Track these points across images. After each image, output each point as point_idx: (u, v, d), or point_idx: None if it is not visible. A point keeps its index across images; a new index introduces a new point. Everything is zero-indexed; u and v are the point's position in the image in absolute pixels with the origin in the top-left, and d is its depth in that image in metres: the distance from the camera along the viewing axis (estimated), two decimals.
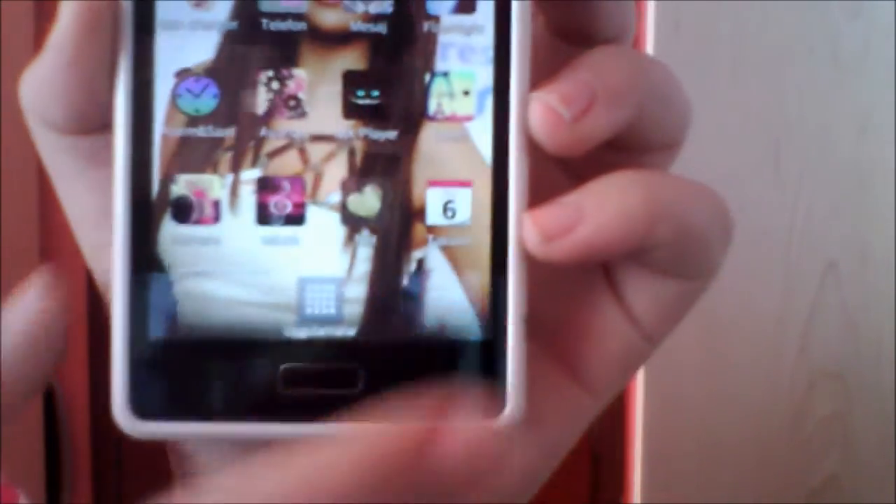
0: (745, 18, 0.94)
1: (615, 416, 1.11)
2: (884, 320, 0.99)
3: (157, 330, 0.21)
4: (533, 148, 0.22)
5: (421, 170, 0.22)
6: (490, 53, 0.22)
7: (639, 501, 1.06)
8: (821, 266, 0.98)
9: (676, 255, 0.22)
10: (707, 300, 0.23)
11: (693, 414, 1.02)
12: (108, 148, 0.21)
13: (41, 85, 0.21)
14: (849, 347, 0.99)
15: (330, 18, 0.21)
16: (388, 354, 0.21)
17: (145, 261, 0.21)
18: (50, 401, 1.12)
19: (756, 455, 1.00)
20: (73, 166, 0.22)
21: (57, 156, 0.22)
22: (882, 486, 0.99)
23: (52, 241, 1.08)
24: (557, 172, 0.23)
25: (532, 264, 0.22)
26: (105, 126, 0.21)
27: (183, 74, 0.21)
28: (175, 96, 0.21)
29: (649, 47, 0.92)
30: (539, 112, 0.21)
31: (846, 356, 1.00)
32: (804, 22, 0.95)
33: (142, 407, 0.21)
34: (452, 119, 0.22)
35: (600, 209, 0.21)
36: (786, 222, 0.98)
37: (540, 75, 0.22)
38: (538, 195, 0.22)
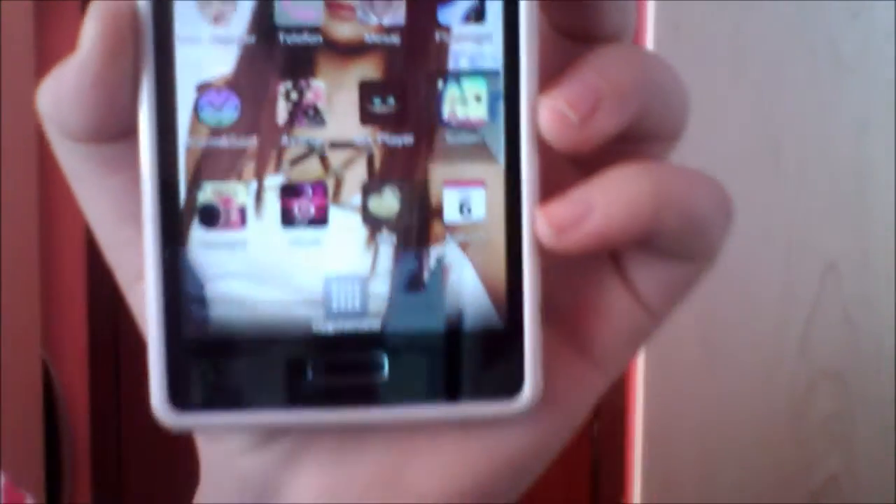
0: (745, 18, 0.94)
1: (616, 417, 1.11)
2: (884, 320, 0.99)
3: (190, 329, 0.22)
4: (542, 146, 0.23)
5: (437, 171, 0.23)
6: (500, 60, 0.23)
7: (639, 501, 1.06)
8: (821, 266, 0.98)
9: (681, 239, 0.23)
10: (707, 300, 0.24)
11: (693, 414, 1.02)
12: (125, 154, 0.22)
13: (63, 100, 0.22)
14: (849, 347, 1.00)
15: (345, 31, 0.22)
16: (412, 344, 0.23)
17: (176, 265, 0.22)
18: (50, 400, 1.12)
19: (756, 455, 1.01)
20: (92, 172, 0.23)
21: (75, 162, 0.23)
22: (882, 486, 0.99)
23: (52, 242, 1.08)
24: (564, 162, 0.24)
25: (544, 253, 0.23)
26: (122, 134, 0.22)
27: (204, 88, 0.22)
28: (197, 109, 0.22)
29: (649, 47, 0.92)
30: (548, 116, 0.22)
31: (846, 356, 1.00)
32: (804, 22, 0.95)
33: (180, 401, 0.22)
34: (465, 123, 0.23)
35: (608, 201, 0.22)
36: (786, 222, 0.98)
37: (545, 72, 0.23)
38: (547, 185, 0.23)
